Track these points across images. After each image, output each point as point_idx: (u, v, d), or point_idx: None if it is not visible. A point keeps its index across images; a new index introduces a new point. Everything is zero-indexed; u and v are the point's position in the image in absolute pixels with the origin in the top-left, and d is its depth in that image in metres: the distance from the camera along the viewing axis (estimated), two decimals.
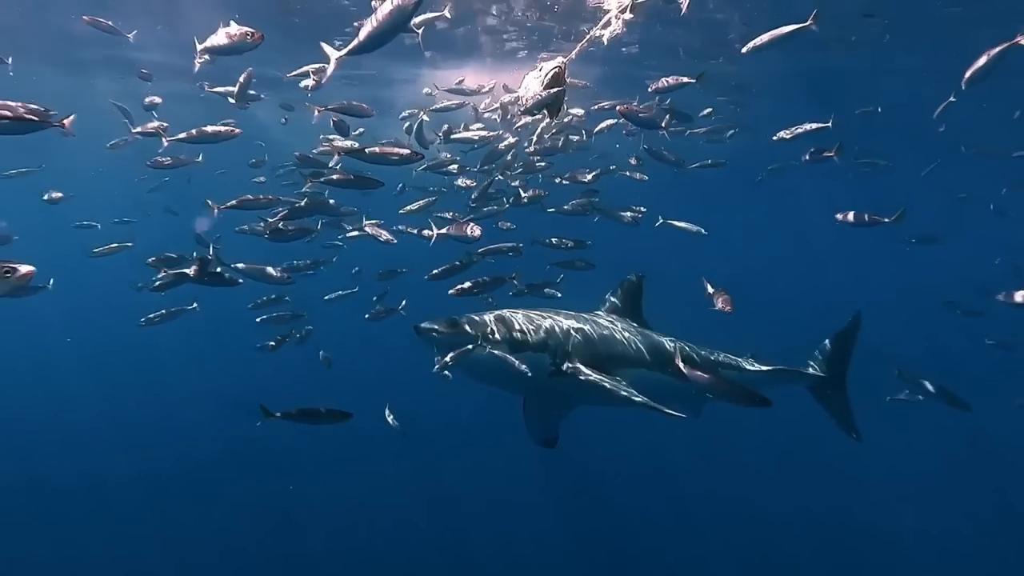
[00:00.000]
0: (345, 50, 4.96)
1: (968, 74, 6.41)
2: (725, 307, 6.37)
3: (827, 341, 8.34)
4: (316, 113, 7.61)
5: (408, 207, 9.56)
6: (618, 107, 8.19)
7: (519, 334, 6.37)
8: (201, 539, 12.69)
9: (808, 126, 8.07)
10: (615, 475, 15.06)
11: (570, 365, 6.41)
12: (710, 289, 6.58)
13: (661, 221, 10.24)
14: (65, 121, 4.61)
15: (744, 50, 6.94)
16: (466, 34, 14.01)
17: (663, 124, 8.46)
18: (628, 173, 10.72)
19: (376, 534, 13.38)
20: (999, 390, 13.70)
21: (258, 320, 10.38)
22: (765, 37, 6.72)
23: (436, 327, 6.19)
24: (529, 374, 6.11)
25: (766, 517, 13.55)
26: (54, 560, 12.01)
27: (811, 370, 8.28)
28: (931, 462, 15.43)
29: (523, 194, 10.02)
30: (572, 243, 9.99)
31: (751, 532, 13.32)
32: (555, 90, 6.76)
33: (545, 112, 7.32)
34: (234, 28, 5.47)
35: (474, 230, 7.24)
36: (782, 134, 8.25)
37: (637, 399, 6.01)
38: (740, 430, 13.35)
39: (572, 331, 6.71)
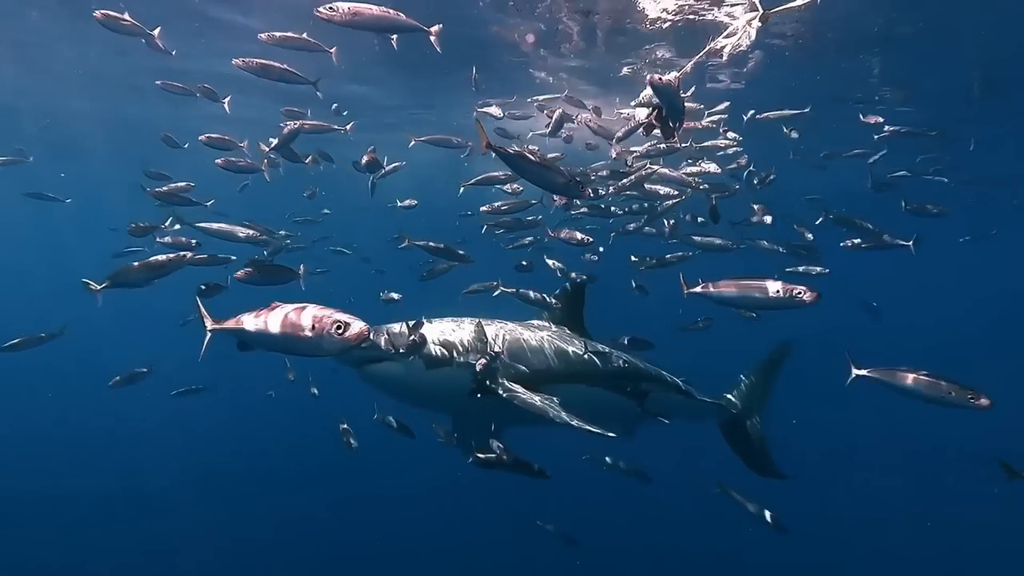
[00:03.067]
0: None
1: None
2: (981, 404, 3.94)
3: (748, 375, 7.79)
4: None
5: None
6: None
7: (438, 347, 5.72)
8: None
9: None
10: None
11: (494, 383, 5.71)
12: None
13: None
14: None
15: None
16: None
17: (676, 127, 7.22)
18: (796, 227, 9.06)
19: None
20: None
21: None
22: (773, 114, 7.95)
23: None
24: (447, 393, 5.69)
25: None
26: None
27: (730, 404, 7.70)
28: None
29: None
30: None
31: None
32: (663, 106, 5.90)
33: (660, 131, 6.41)
34: None
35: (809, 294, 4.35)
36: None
37: (571, 422, 5.30)
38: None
39: (501, 344, 6.05)
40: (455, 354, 5.74)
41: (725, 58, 7.54)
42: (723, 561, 12.61)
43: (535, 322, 6.81)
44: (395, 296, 8.46)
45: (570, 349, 6.41)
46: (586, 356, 6.45)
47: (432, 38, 5.61)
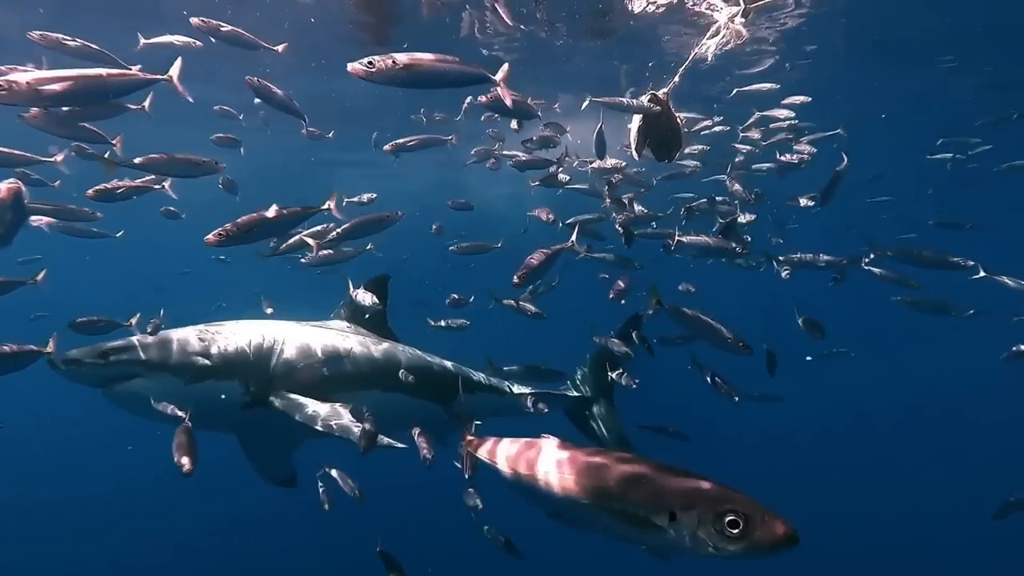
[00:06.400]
0: None
1: None
2: None
3: (588, 358, 7.74)
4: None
5: None
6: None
7: (197, 357, 5.12)
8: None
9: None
10: None
11: (270, 393, 5.23)
12: None
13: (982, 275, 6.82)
14: None
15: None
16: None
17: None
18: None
19: None
20: None
21: None
22: None
23: (81, 358, 4.88)
24: (214, 409, 5.07)
25: None
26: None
27: (574, 392, 7.71)
28: None
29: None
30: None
31: None
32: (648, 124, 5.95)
33: (651, 152, 6.41)
34: None
35: None
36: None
37: (357, 436, 4.68)
38: None
39: (279, 348, 5.49)
40: (219, 363, 5.19)
41: (710, 59, 7.27)
42: None
43: (330, 323, 6.39)
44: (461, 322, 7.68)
45: (367, 351, 5.98)
46: (386, 358, 6.04)
47: (177, 86, 4.48)
